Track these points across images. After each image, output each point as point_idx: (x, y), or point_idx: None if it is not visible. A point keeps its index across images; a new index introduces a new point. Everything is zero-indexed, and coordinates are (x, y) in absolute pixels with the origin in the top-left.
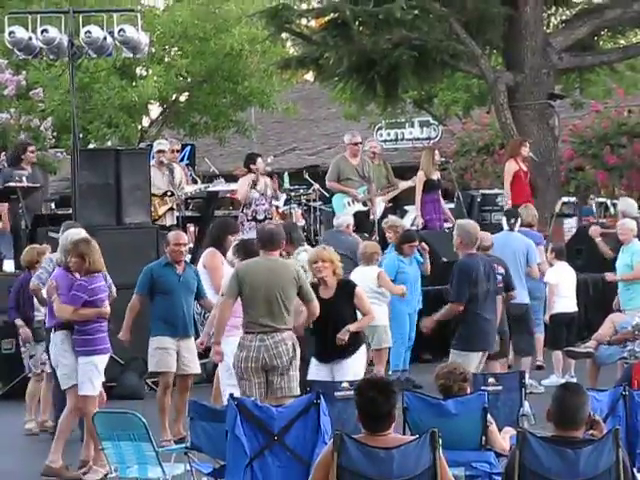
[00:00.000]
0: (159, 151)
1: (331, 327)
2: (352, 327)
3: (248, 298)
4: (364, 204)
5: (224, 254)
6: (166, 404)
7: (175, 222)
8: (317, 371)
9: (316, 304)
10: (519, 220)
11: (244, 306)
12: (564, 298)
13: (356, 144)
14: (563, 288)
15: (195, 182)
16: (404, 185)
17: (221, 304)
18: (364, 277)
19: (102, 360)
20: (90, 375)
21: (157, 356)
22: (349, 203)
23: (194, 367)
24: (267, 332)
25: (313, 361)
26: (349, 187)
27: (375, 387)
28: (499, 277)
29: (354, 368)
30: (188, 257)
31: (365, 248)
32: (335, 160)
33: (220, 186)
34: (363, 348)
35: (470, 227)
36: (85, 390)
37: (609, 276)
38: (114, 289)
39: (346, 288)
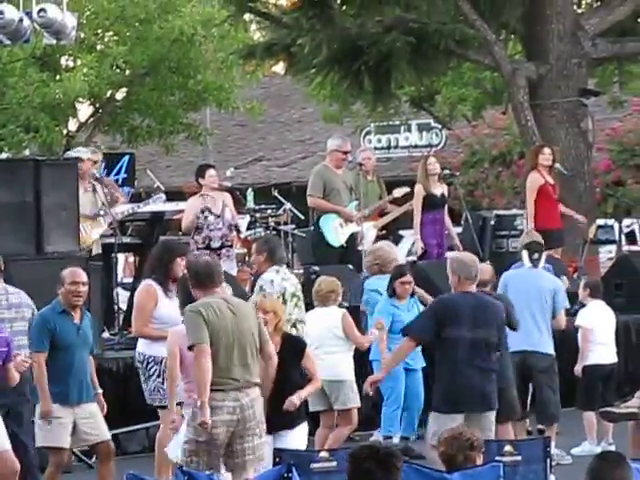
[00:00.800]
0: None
1: (275, 389)
2: (303, 393)
3: (214, 345)
4: (358, 224)
5: (171, 282)
6: None
7: (100, 250)
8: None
9: (272, 348)
10: (544, 255)
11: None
12: (600, 346)
13: (345, 153)
14: (599, 334)
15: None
16: (401, 209)
17: (201, 355)
18: (323, 320)
19: None
20: None
21: (50, 428)
22: (341, 225)
23: (101, 434)
24: (241, 388)
25: None
26: (338, 204)
27: (375, 457)
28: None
29: (297, 441)
30: (120, 294)
31: (320, 285)
32: (316, 171)
33: (158, 204)
34: (305, 423)
35: (468, 259)
36: None
37: None
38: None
39: (294, 345)
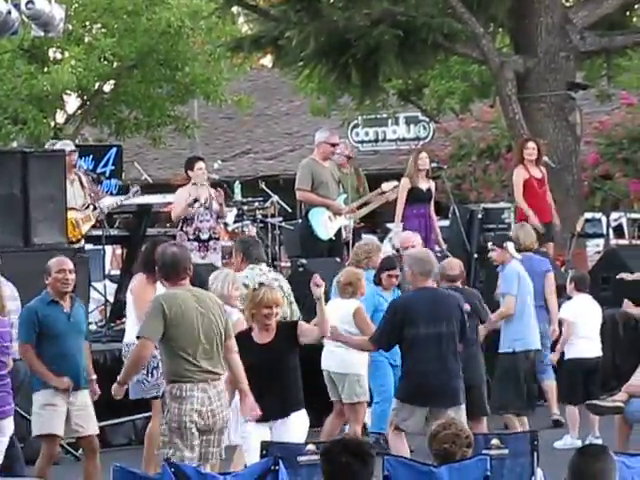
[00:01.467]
0: None
1: (271, 377)
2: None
3: (180, 338)
4: (348, 218)
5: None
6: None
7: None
8: (253, 431)
9: (234, 342)
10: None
11: (171, 348)
12: (583, 339)
13: (333, 145)
14: (582, 327)
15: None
16: (381, 199)
17: (140, 344)
18: (337, 312)
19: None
20: None
21: (44, 415)
22: (330, 218)
23: (90, 427)
24: (209, 380)
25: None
26: (327, 197)
27: (348, 450)
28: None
29: (294, 429)
30: (102, 286)
31: (340, 276)
32: (304, 164)
33: (142, 197)
34: (303, 411)
35: (422, 255)
36: None
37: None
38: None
39: (286, 330)
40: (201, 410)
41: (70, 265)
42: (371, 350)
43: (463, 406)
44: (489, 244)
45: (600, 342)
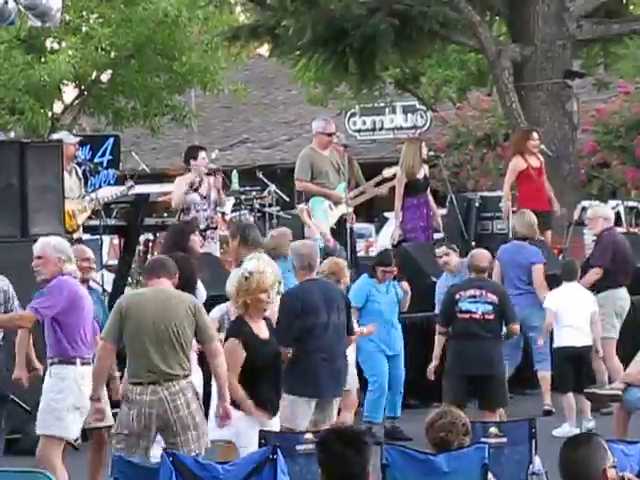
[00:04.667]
0: None
1: (275, 373)
2: None
3: (133, 339)
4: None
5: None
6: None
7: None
8: (248, 427)
9: (216, 345)
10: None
11: (128, 350)
12: (569, 328)
13: (330, 134)
14: (568, 316)
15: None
16: (375, 191)
17: (99, 350)
18: None
19: None
20: None
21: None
22: (331, 207)
23: (107, 418)
24: (161, 381)
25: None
26: (326, 187)
27: (342, 439)
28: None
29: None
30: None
31: (323, 266)
32: (303, 154)
33: (132, 191)
34: None
35: (303, 248)
36: None
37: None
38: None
39: (269, 322)
40: (151, 412)
41: (90, 253)
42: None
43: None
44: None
45: (590, 331)
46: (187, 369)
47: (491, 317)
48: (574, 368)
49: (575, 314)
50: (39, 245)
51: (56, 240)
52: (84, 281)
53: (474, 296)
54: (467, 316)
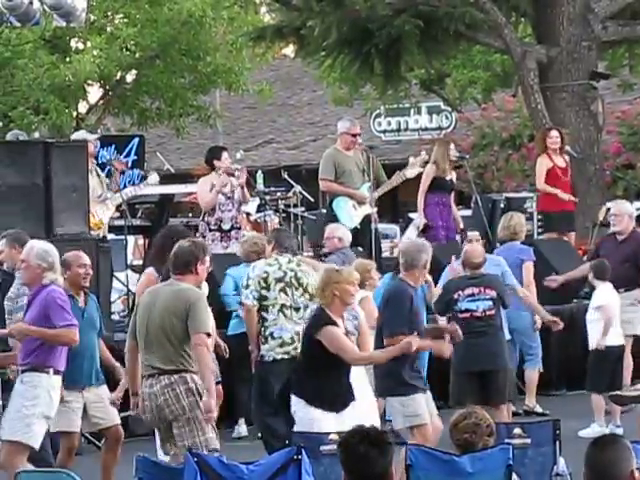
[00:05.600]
0: None
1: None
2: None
3: (139, 334)
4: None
5: None
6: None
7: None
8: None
9: (199, 337)
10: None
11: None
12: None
13: (354, 135)
14: (611, 317)
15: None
16: (401, 177)
17: (126, 347)
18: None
19: None
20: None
21: (60, 413)
22: (354, 207)
23: (111, 417)
24: (155, 375)
25: (314, 412)
26: (351, 187)
27: (366, 439)
28: None
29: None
30: (124, 276)
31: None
32: (327, 154)
33: (156, 184)
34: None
35: (409, 246)
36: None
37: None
38: None
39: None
40: (151, 406)
41: (88, 260)
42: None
43: None
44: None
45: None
46: (181, 363)
47: (492, 312)
48: (611, 368)
49: (615, 313)
50: (25, 248)
51: (40, 246)
52: (81, 288)
53: (473, 294)
54: (468, 315)
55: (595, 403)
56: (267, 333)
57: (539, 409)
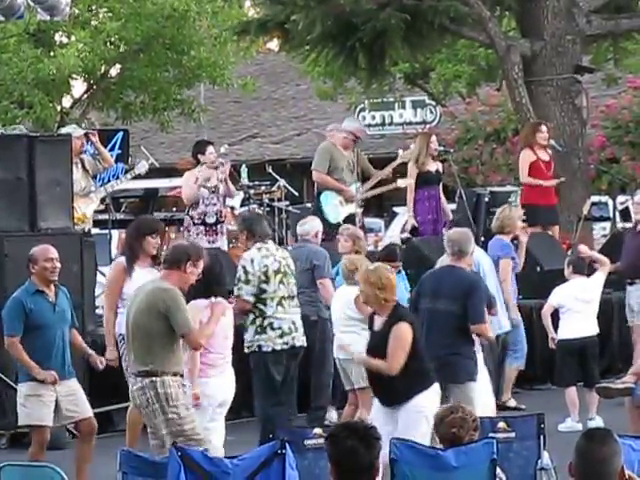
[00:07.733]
0: None
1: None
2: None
3: (125, 331)
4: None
5: (141, 260)
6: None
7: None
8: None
9: (193, 338)
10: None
11: None
12: (573, 321)
13: (356, 137)
14: (572, 310)
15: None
16: (391, 186)
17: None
18: (340, 298)
19: None
20: None
21: (29, 406)
22: (341, 203)
23: (83, 409)
24: (132, 376)
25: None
26: (341, 183)
27: (355, 434)
28: None
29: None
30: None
31: (345, 262)
32: (324, 146)
33: (141, 170)
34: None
35: (453, 234)
36: None
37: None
38: None
39: (396, 316)
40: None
41: (56, 253)
42: None
43: None
44: None
45: (596, 322)
46: (152, 363)
47: None
48: (579, 361)
49: (581, 306)
50: None
51: None
52: (50, 282)
53: None
54: None
55: (568, 397)
56: (266, 324)
57: (512, 403)
